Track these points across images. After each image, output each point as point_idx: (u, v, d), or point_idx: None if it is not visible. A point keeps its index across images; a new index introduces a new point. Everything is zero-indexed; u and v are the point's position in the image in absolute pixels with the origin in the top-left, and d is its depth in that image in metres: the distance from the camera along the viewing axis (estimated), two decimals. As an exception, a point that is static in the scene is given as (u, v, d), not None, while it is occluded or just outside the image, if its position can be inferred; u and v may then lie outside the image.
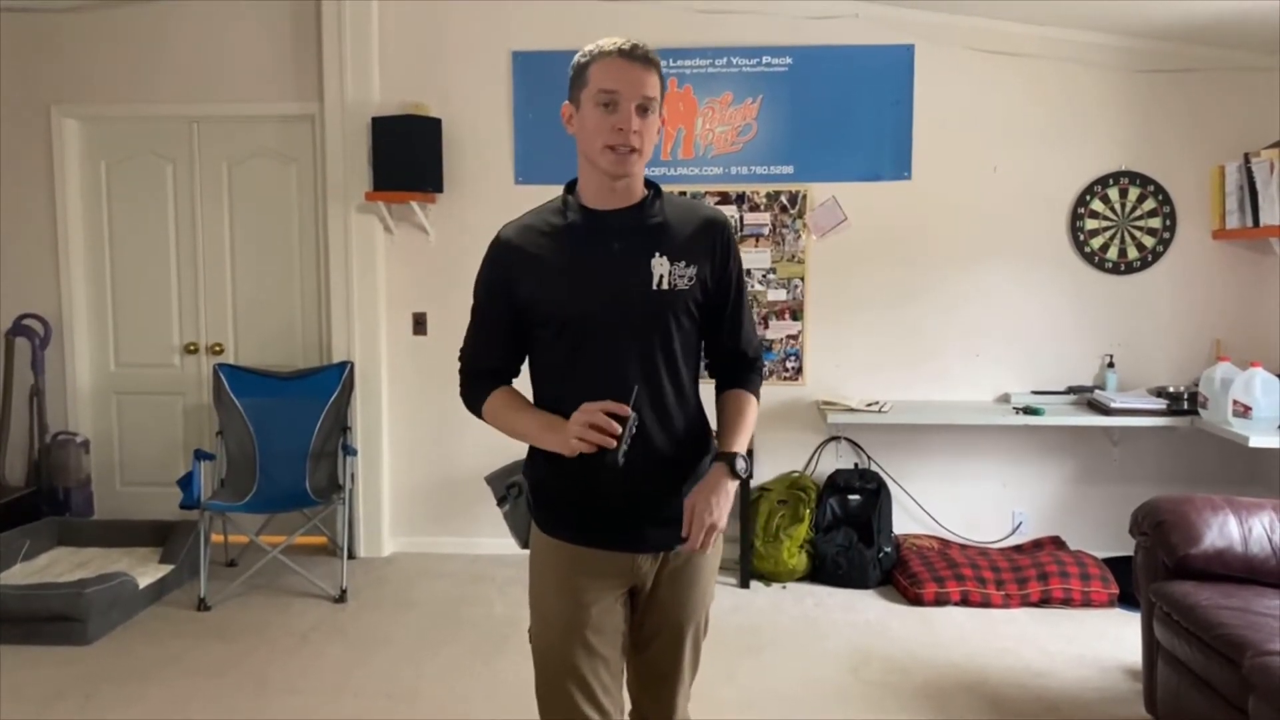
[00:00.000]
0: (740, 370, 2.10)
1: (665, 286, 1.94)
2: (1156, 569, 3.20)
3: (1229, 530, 3.13)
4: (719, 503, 1.88)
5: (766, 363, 4.97)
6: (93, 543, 4.82)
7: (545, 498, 2.03)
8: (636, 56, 1.88)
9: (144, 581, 4.33)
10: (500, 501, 2.16)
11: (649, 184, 2.03)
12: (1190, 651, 2.91)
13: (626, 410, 1.83)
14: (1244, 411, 4.12)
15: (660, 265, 1.94)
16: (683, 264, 1.96)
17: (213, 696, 3.50)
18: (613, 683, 2.00)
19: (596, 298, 1.94)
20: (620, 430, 1.80)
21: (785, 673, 3.70)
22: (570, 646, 1.94)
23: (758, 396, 2.09)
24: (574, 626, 1.95)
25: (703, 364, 2.12)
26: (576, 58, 1.95)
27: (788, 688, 3.57)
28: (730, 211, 4.90)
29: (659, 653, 2.08)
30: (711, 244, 2.00)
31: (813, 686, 3.57)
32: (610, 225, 1.97)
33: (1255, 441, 4.01)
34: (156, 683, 3.61)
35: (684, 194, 4.86)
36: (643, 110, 1.89)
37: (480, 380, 2.09)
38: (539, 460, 2.02)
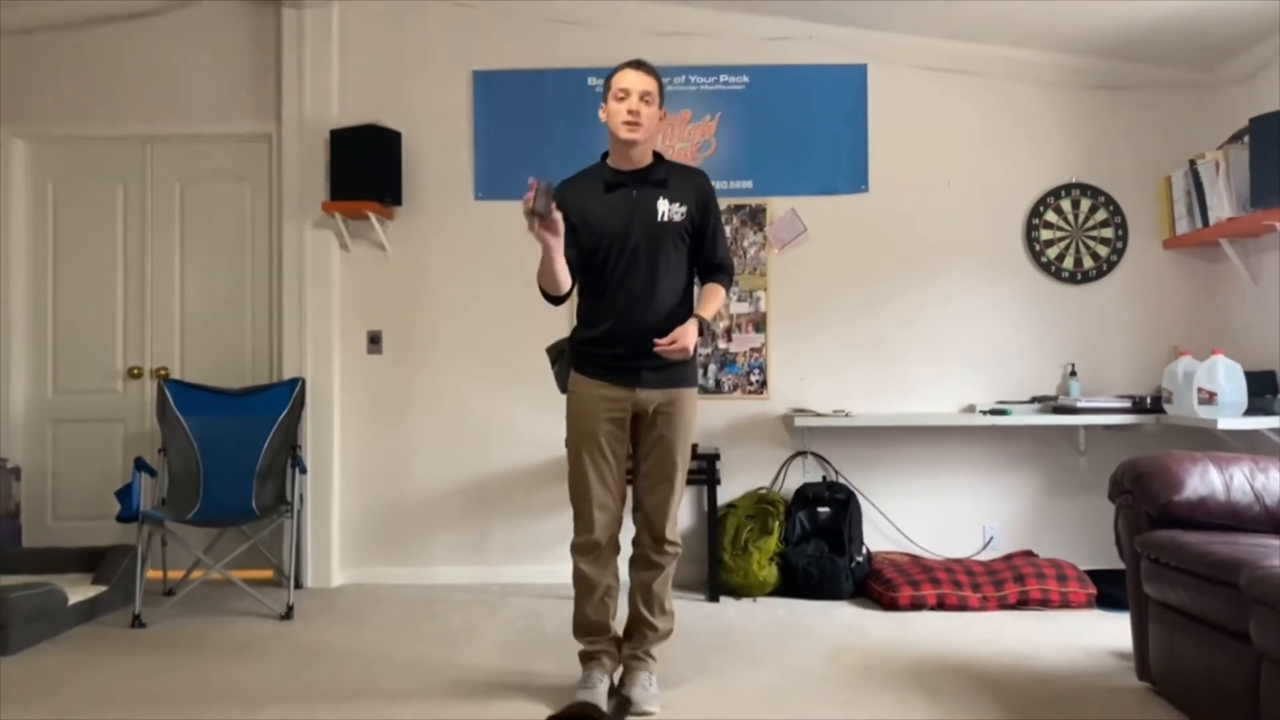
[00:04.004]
0: (714, 273, 3.16)
1: (666, 219, 3.02)
2: (1140, 523, 3.12)
3: (1210, 478, 3.07)
4: (686, 334, 2.92)
5: (730, 376, 4.92)
6: (19, 569, 4.46)
7: (581, 351, 3.09)
8: (640, 67, 3.02)
9: (74, 599, 4.04)
10: (553, 363, 3.19)
11: (655, 154, 3.10)
12: (1183, 593, 2.81)
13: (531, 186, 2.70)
14: (1209, 398, 4.12)
15: (663, 204, 3.01)
16: (678, 204, 3.03)
17: (140, 700, 3.20)
18: (612, 474, 3.05)
19: (622, 223, 2.99)
20: (532, 195, 2.69)
21: (763, 665, 3.51)
22: (588, 441, 3.03)
23: (726, 288, 3.17)
24: (591, 430, 3.03)
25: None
26: (608, 77, 3.05)
27: (767, 677, 3.38)
28: (691, 226, 4.92)
29: (657, 461, 3.08)
30: (695, 193, 3.08)
31: (792, 675, 3.39)
32: (630, 179, 3.04)
33: (1223, 424, 4.00)
34: (78, 686, 3.30)
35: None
36: (644, 99, 2.97)
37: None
38: (581, 329, 3.10)
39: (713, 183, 4.72)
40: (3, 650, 3.63)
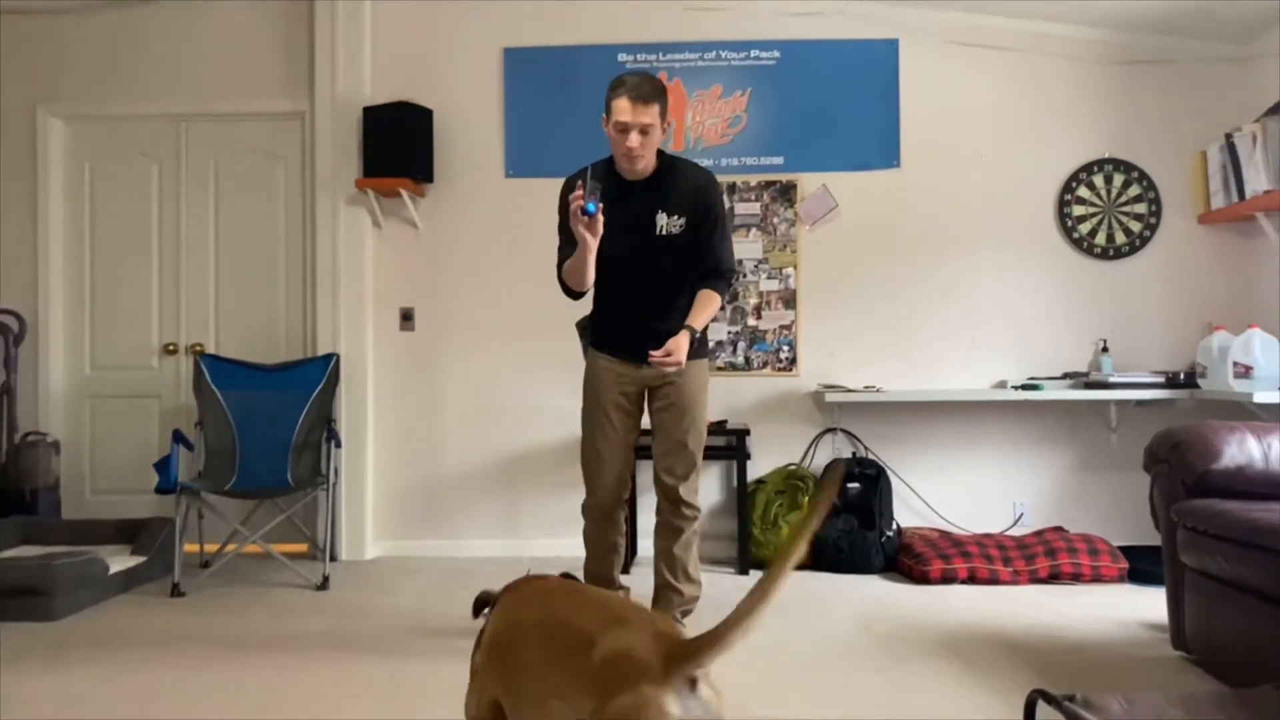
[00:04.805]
0: (710, 277, 3.16)
1: (664, 233, 3.09)
2: (1176, 492, 3.11)
3: (1248, 447, 3.06)
4: (679, 347, 2.99)
5: (760, 353, 4.93)
6: (60, 540, 4.56)
7: (596, 330, 3.30)
8: (639, 98, 2.93)
9: (115, 568, 4.11)
10: (581, 337, 3.37)
11: (661, 156, 3.12)
12: (1222, 561, 2.81)
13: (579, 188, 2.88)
14: (1245, 372, 4.10)
15: (661, 219, 3.08)
16: (677, 217, 3.09)
17: (185, 657, 3.27)
18: (619, 442, 3.24)
19: (622, 240, 3.04)
20: (582, 193, 2.85)
21: (795, 632, 3.53)
22: (597, 411, 3.25)
23: (721, 294, 3.17)
24: (600, 401, 3.24)
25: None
26: (607, 89, 3.00)
27: (800, 642, 3.40)
28: (721, 202, 4.93)
29: (668, 427, 3.21)
30: (695, 201, 3.10)
31: (826, 644, 3.40)
32: (631, 191, 3.08)
33: (1259, 398, 3.98)
34: (125, 647, 3.37)
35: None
36: (644, 132, 2.96)
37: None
38: (596, 313, 3.30)
39: (743, 160, 4.94)
40: (48, 616, 3.70)
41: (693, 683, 1.44)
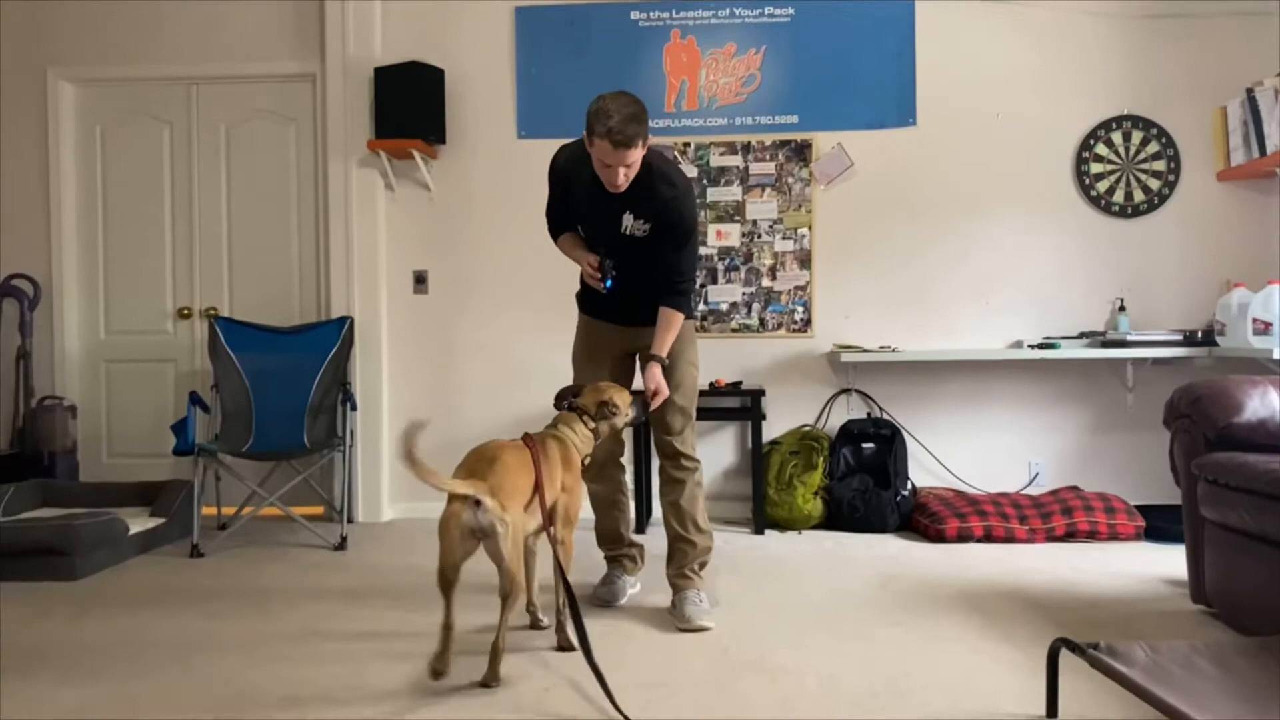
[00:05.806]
0: (666, 292, 3.16)
1: (628, 233, 3.12)
2: (1197, 447, 3.10)
3: (1270, 400, 3.04)
4: (657, 380, 3.11)
5: (775, 314, 4.91)
6: (79, 503, 4.59)
7: (583, 297, 3.41)
8: (621, 143, 2.84)
9: (134, 529, 4.14)
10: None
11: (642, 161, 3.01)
12: (1243, 513, 2.80)
13: (597, 262, 3.14)
14: (1264, 328, 4.07)
15: (628, 219, 3.11)
16: (642, 221, 3.10)
17: (208, 613, 3.30)
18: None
19: (593, 231, 3.21)
20: (599, 273, 3.11)
21: (813, 591, 3.54)
22: (584, 370, 3.36)
23: (680, 310, 3.17)
24: (587, 360, 3.38)
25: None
26: (589, 114, 2.86)
27: (816, 598, 3.42)
28: (735, 162, 4.89)
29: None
30: (663, 212, 3.07)
31: (843, 599, 3.41)
32: (604, 188, 3.03)
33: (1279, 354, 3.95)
34: (147, 604, 3.40)
35: (688, 145, 4.89)
36: (626, 166, 2.92)
37: (557, 228, 3.33)
38: (582, 283, 3.35)
39: (757, 119, 4.90)
40: (69, 575, 3.73)
41: (477, 503, 2.47)
